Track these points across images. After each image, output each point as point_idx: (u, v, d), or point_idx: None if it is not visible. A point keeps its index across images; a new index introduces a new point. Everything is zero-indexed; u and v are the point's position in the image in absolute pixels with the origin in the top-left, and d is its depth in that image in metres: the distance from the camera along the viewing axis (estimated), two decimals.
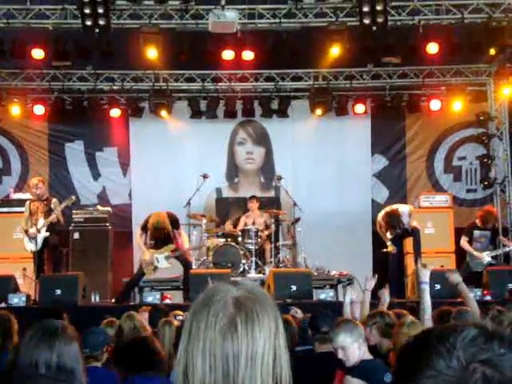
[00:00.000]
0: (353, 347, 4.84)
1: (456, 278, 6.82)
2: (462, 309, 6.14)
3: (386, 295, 7.27)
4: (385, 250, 12.34)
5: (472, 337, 1.19)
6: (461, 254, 13.07)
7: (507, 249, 13.12)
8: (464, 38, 13.44)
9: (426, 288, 5.79)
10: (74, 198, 12.38)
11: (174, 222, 11.78)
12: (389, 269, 12.15)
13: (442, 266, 12.68)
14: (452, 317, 5.78)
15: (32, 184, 12.22)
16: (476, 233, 12.61)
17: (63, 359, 2.84)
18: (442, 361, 1.17)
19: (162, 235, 11.67)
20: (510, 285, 11.37)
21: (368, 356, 4.97)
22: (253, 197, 14.38)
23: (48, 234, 11.68)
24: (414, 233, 12.20)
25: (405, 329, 5.13)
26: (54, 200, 12.04)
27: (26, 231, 11.73)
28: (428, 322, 5.46)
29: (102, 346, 5.34)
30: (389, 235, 12.25)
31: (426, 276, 5.88)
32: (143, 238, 11.84)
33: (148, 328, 7.05)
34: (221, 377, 1.53)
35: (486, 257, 12.39)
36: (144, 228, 11.83)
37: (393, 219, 12.18)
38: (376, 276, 7.49)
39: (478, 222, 12.71)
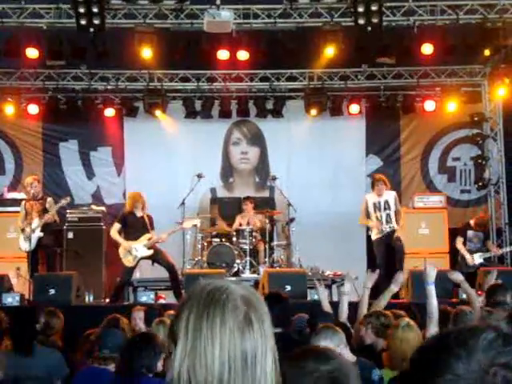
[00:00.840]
0: None
1: (458, 276, 6.87)
2: (462, 309, 6.14)
3: (401, 277, 7.22)
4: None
5: (490, 340, 1.18)
6: (455, 254, 13.09)
7: (499, 252, 13.17)
8: (459, 39, 13.44)
9: (433, 289, 5.73)
10: (68, 198, 12.40)
11: (152, 222, 11.83)
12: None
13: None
14: (452, 318, 5.78)
15: (27, 183, 12.22)
16: (469, 233, 12.68)
17: None
18: (461, 364, 1.16)
19: (139, 223, 11.66)
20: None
21: (352, 357, 4.95)
22: (247, 198, 14.39)
23: (42, 234, 11.67)
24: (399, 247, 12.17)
25: (399, 331, 5.11)
26: (49, 199, 12.04)
27: (23, 230, 11.71)
28: (434, 327, 5.38)
29: (121, 347, 5.23)
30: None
31: (432, 277, 5.85)
32: (120, 234, 11.83)
33: (142, 327, 7.04)
34: (240, 373, 1.55)
35: (478, 258, 12.42)
36: (120, 219, 11.87)
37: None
38: (377, 271, 7.42)
39: (472, 223, 12.77)
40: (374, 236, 12.22)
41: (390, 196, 12.25)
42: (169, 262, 11.72)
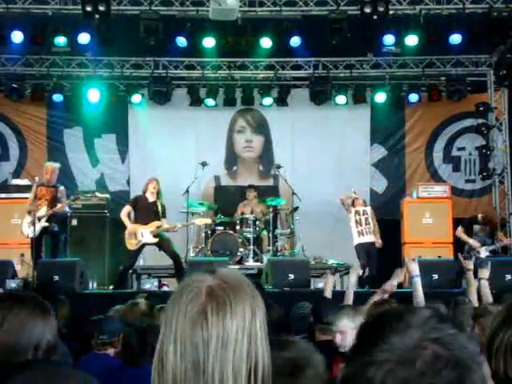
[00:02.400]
0: (352, 333, 4.85)
1: (469, 264, 6.92)
2: (459, 299, 6.13)
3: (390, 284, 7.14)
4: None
5: (426, 317, 1.29)
6: (459, 244, 13.05)
7: (505, 242, 13.10)
8: (464, 28, 13.41)
9: (418, 281, 5.77)
10: (78, 195, 12.46)
11: (164, 210, 11.83)
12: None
13: (439, 257, 12.72)
14: (450, 307, 5.79)
15: (49, 168, 11.99)
16: (476, 227, 12.58)
17: None
18: (396, 337, 1.26)
19: (150, 209, 11.67)
20: (507, 276, 11.32)
21: None
22: (251, 186, 14.37)
23: (47, 224, 11.60)
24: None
25: None
26: (62, 188, 11.97)
27: (30, 212, 11.57)
28: None
29: (119, 332, 5.34)
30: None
31: (415, 269, 5.87)
32: (130, 216, 11.86)
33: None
34: (190, 365, 1.54)
35: (484, 251, 12.36)
36: (132, 203, 11.92)
37: None
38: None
39: (479, 217, 12.68)
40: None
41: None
42: (174, 252, 11.72)
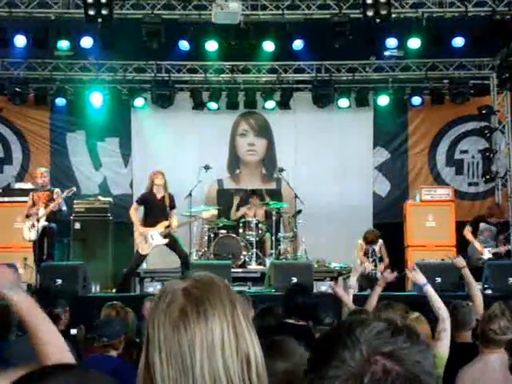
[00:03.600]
0: None
1: (460, 261, 6.86)
2: (457, 302, 6.09)
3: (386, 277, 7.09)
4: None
5: (378, 330, 1.25)
6: (462, 247, 13.03)
7: (502, 250, 12.99)
8: (467, 31, 13.41)
9: (429, 288, 5.59)
10: (74, 189, 12.43)
11: (172, 200, 11.81)
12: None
13: (442, 260, 12.69)
14: (449, 310, 5.77)
15: (37, 173, 12.27)
16: (482, 225, 12.56)
17: None
18: (347, 352, 1.23)
19: (159, 208, 11.62)
20: (510, 279, 11.29)
21: None
22: (254, 192, 14.35)
23: (47, 223, 11.70)
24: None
25: (412, 323, 5.03)
26: (57, 190, 12.09)
27: (28, 217, 11.73)
28: (442, 323, 5.25)
29: (120, 335, 5.38)
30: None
31: (422, 279, 5.75)
32: (138, 214, 11.85)
33: None
34: (179, 371, 1.51)
35: (487, 253, 12.34)
36: (140, 201, 11.88)
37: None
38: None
39: (485, 214, 12.71)
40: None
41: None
42: (182, 251, 11.76)
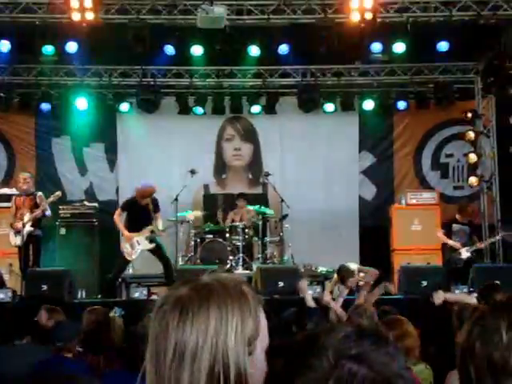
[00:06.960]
0: None
1: (438, 298, 6.88)
2: (464, 306, 6.11)
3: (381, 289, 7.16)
4: None
5: (344, 335, 1.26)
6: (447, 250, 13.04)
7: (482, 246, 12.97)
8: (452, 36, 13.46)
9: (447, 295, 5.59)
10: (59, 193, 12.37)
11: (156, 204, 11.87)
12: None
13: (428, 263, 12.73)
14: (455, 314, 5.78)
15: (20, 178, 12.24)
16: (455, 226, 12.53)
17: None
18: (314, 359, 1.25)
19: (142, 213, 11.67)
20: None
21: None
22: (241, 195, 14.36)
23: (32, 228, 11.66)
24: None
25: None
26: (40, 193, 12.06)
27: (12, 225, 11.74)
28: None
29: (74, 337, 5.59)
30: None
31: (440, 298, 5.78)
32: (122, 219, 11.86)
33: None
34: (154, 376, 1.55)
35: (465, 252, 12.33)
36: (125, 207, 11.89)
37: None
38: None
39: (457, 216, 12.69)
40: None
41: None
42: (165, 257, 11.79)
